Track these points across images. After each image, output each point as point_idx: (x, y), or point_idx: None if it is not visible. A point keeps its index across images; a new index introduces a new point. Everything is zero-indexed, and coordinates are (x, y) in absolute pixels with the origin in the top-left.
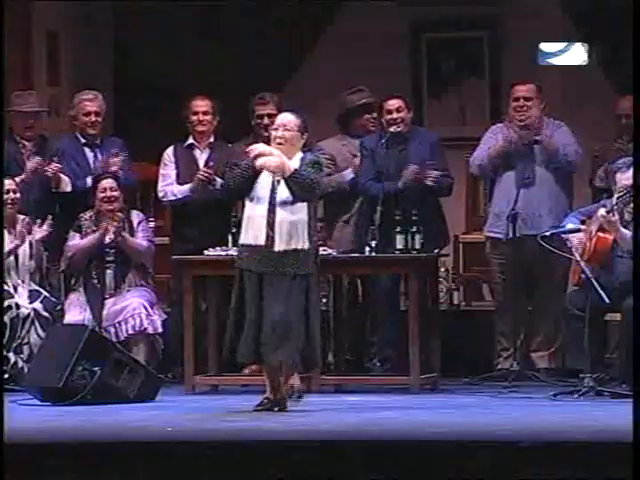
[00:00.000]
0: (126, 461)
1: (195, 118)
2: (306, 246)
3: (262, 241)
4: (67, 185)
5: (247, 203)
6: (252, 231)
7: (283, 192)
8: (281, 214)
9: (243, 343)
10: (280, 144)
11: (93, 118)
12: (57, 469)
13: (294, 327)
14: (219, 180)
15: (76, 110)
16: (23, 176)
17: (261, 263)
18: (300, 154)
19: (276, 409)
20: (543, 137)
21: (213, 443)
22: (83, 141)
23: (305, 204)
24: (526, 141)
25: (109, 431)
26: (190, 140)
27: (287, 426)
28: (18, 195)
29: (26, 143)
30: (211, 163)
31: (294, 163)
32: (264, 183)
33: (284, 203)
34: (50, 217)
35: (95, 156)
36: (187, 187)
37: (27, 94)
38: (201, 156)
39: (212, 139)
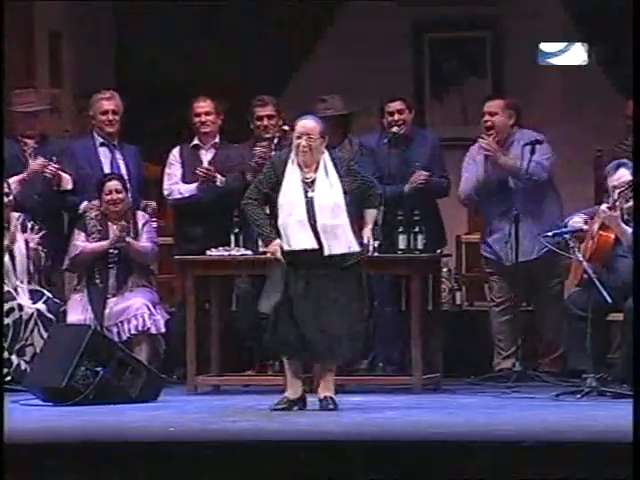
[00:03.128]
0: (126, 461)
1: (198, 120)
2: (356, 249)
3: (313, 245)
4: (68, 183)
5: (280, 208)
6: (294, 237)
7: (319, 195)
8: (322, 218)
9: (290, 340)
10: (304, 152)
11: (110, 116)
12: (57, 469)
13: (341, 326)
14: (220, 177)
15: (93, 109)
16: (24, 175)
17: (307, 265)
18: (326, 154)
19: (295, 408)
20: (540, 139)
21: (213, 443)
22: (100, 141)
23: (343, 203)
24: (528, 143)
25: (110, 431)
26: (195, 141)
27: (288, 426)
28: (11, 197)
29: (28, 141)
30: (212, 160)
31: (329, 165)
32: (294, 187)
33: (323, 206)
34: (42, 231)
35: (113, 156)
36: (194, 186)
37: (27, 92)
38: (206, 156)
39: (217, 139)
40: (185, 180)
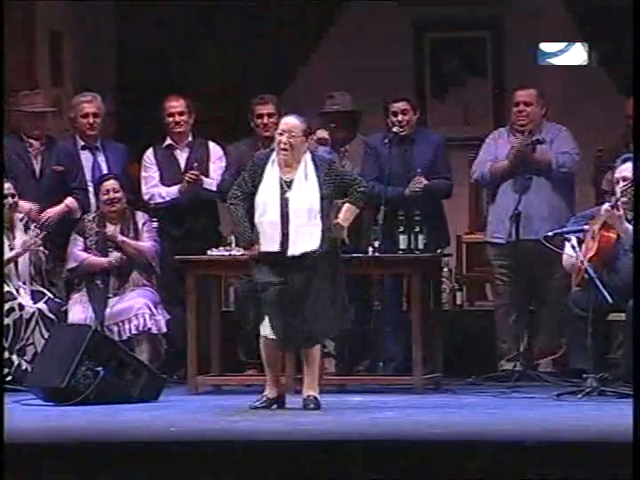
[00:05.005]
0: (126, 461)
1: (171, 120)
2: (316, 247)
3: (277, 247)
4: (77, 211)
5: (256, 207)
6: (265, 238)
7: (296, 197)
8: (295, 220)
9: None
10: (285, 150)
11: (91, 120)
12: (57, 469)
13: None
14: (206, 180)
15: (74, 112)
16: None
17: (274, 272)
18: (308, 155)
19: (274, 407)
20: (543, 138)
21: (214, 443)
22: (82, 144)
23: (319, 207)
24: (528, 142)
25: (110, 431)
26: (168, 141)
27: (288, 426)
28: (17, 199)
29: (33, 142)
30: (195, 164)
31: (309, 167)
32: (271, 187)
33: (298, 208)
34: (43, 231)
35: (95, 159)
36: (175, 189)
37: (34, 94)
38: (181, 156)
39: (190, 138)
40: (163, 182)
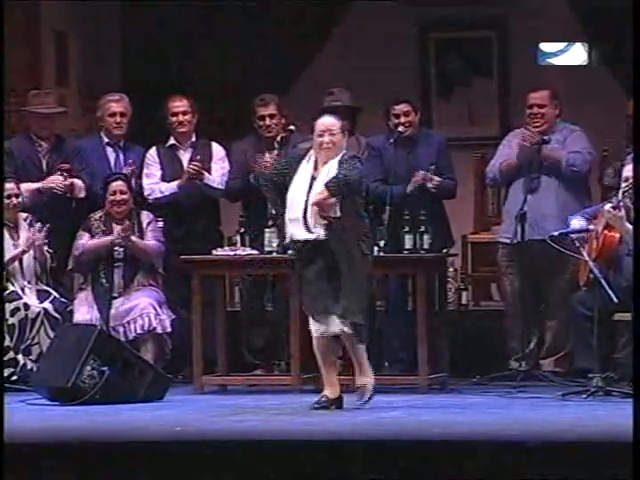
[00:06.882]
0: (127, 461)
1: (175, 119)
2: (321, 234)
3: (306, 237)
4: (81, 191)
5: (288, 203)
6: (295, 229)
7: (316, 190)
8: (312, 209)
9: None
10: (329, 149)
11: (118, 119)
12: (57, 469)
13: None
14: (207, 176)
15: (102, 111)
16: (40, 186)
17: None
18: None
19: (333, 407)
20: (549, 138)
21: (214, 443)
22: (106, 141)
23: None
24: (535, 141)
25: (111, 431)
26: (172, 141)
27: (290, 426)
28: (20, 199)
29: (42, 143)
30: (198, 157)
31: (333, 164)
32: (302, 183)
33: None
34: (46, 225)
35: (117, 157)
36: (174, 184)
37: (44, 94)
38: (184, 155)
39: (194, 138)
40: (164, 180)
